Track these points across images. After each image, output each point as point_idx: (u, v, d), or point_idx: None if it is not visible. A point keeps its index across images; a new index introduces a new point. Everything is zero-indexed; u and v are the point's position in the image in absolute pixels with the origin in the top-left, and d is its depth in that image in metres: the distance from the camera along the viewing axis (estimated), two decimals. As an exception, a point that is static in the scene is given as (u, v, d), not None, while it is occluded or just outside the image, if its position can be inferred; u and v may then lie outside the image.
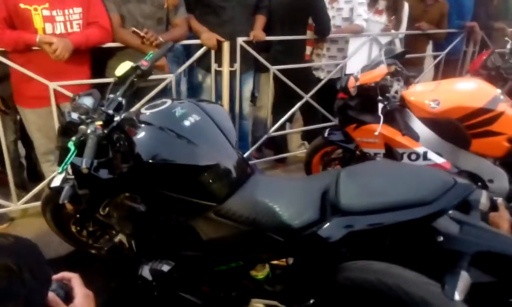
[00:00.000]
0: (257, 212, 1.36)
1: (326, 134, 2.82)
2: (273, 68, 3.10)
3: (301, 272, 1.43)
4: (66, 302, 0.78)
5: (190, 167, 1.41)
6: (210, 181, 1.42)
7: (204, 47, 2.76)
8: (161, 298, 1.64)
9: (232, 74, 2.92)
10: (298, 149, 3.80)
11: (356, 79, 2.43)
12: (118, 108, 1.61)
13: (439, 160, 2.25)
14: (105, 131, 1.50)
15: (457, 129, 2.17)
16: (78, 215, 2.04)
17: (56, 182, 1.88)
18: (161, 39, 2.42)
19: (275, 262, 1.61)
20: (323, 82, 3.36)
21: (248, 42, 2.89)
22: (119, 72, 1.67)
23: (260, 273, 1.60)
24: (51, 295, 0.76)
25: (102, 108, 1.56)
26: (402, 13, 3.58)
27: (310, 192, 1.32)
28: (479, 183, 2.26)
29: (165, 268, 1.60)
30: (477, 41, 4.17)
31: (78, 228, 2.12)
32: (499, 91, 2.19)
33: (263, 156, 3.71)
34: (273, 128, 3.34)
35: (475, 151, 2.20)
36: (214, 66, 2.84)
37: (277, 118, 3.43)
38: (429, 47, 4.24)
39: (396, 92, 2.38)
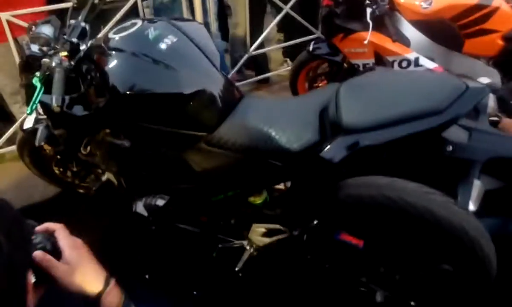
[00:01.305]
0: (251, 138, 1.27)
1: (310, 48, 2.66)
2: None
3: (301, 194, 1.38)
4: (54, 256, 0.69)
5: (172, 95, 1.27)
6: (197, 109, 1.30)
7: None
8: (159, 231, 1.59)
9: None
10: (280, 67, 3.64)
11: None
12: (83, 35, 1.42)
13: (431, 65, 2.16)
14: (72, 63, 1.34)
15: (450, 30, 2.05)
16: (58, 156, 1.91)
17: (28, 124, 1.73)
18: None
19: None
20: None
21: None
22: (75, -4, 1.45)
23: (258, 198, 1.55)
24: (39, 253, 0.68)
25: (65, 36, 1.38)
26: None
27: (307, 112, 1.22)
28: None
29: (160, 202, 1.54)
30: None
31: (61, 169, 2.00)
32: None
33: (244, 77, 3.54)
34: (253, 46, 3.14)
35: (468, 52, 2.11)
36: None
37: (255, 35, 3.22)
38: None
39: (386, -6, 2.20)
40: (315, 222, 1.30)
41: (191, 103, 1.29)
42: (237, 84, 3.38)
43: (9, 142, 2.45)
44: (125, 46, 1.30)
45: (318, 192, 1.32)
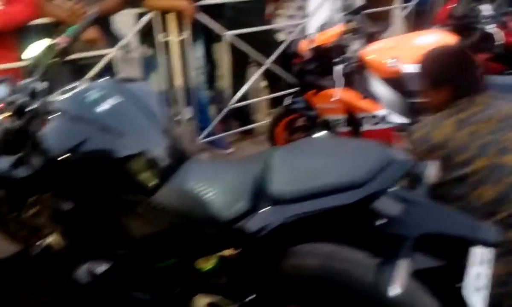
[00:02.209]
0: (188, 204, 1.21)
1: (287, 102, 2.66)
2: (228, 34, 2.88)
3: (245, 263, 1.30)
4: None
5: (108, 160, 1.24)
6: (134, 173, 1.26)
7: (148, 16, 2.52)
8: (101, 300, 1.51)
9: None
10: (266, 119, 3.64)
11: (312, 41, 2.24)
12: (34, 95, 1.42)
13: (402, 120, 2.12)
14: (17, 123, 1.32)
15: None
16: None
17: None
18: (97, 10, 2.18)
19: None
20: (284, 45, 3.15)
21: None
22: (29, 54, 1.47)
23: (206, 264, 1.47)
24: None
25: (13, 96, 1.38)
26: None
27: (245, 177, 1.17)
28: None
29: (103, 268, 1.46)
30: (446, -12, 3.97)
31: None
32: (459, 42, 2.04)
33: (230, 128, 3.54)
34: (233, 100, 3.16)
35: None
36: (161, 36, 2.61)
37: (238, 87, 3.25)
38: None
39: (356, 51, 2.21)
40: (252, 297, 1.22)
41: (128, 166, 1.25)
42: (222, 134, 3.40)
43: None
44: (64, 108, 1.28)
45: (259, 261, 1.24)
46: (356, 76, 2.14)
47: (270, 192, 1.03)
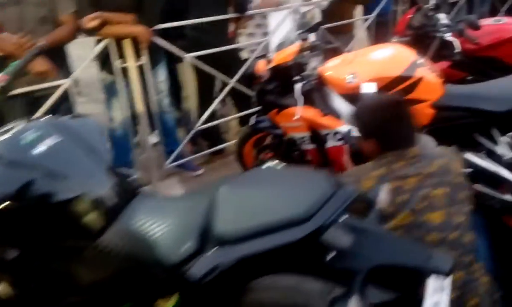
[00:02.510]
0: (136, 245, 1.15)
1: (253, 121, 2.63)
2: (188, 56, 2.83)
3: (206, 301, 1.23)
4: None
5: (49, 204, 1.16)
6: (78, 216, 1.19)
7: (103, 43, 2.45)
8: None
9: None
10: (236, 138, 3.59)
11: (269, 61, 2.22)
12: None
13: (366, 136, 2.10)
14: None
15: (378, 102, 2.02)
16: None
17: None
18: (43, 43, 2.10)
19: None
20: (247, 63, 3.13)
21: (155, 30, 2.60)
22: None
23: (166, 305, 1.39)
24: None
25: None
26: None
27: (192, 215, 1.11)
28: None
29: (53, 317, 1.37)
30: (405, -3, 4.04)
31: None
32: (417, 55, 2.05)
33: (200, 149, 3.48)
34: (199, 122, 3.10)
35: (400, 122, 2.06)
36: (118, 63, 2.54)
37: (205, 107, 3.19)
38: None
39: (314, 68, 2.19)
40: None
41: (71, 210, 1.18)
42: (191, 157, 3.33)
43: None
44: (-2, 152, 1.20)
45: (220, 298, 1.17)
46: (316, 93, 2.12)
47: (215, 232, 0.98)
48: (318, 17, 3.30)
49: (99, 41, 2.53)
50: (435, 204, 1.33)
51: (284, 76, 2.21)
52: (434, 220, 1.31)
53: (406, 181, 1.35)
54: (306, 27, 2.30)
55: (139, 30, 2.42)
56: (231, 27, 3.16)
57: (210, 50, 2.86)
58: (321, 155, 2.28)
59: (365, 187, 1.33)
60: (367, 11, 4.01)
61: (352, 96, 2.06)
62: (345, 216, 0.96)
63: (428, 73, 1.99)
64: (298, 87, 2.14)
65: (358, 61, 2.08)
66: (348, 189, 0.95)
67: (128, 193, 1.30)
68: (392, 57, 2.02)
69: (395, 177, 1.36)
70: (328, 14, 3.68)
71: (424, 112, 2.01)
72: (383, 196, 1.04)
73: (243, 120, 3.58)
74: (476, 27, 2.63)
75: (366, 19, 3.90)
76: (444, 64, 2.97)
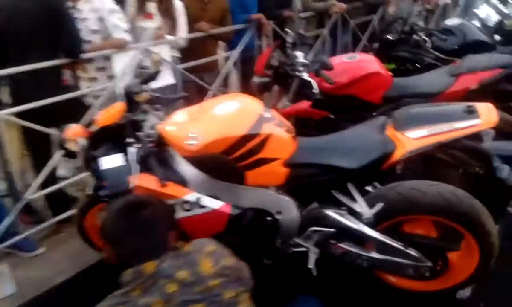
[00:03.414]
0: None
1: (90, 189, 2.15)
2: (2, 114, 2.25)
3: None
4: None
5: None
6: None
7: None
8: None
9: None
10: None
11: (94, 121, 1.79)
12: None
13: (216, 204, 1.79)
14: None
15: (226, 165, 1.73)
16: None
17: None
18: None
19: None
20: (92, 109, 2.63)
21: None
22: None
23: None
24: None
25: None
26: (176, 15, 3.08)
27: None
28: (269, 218, 1.88)
29: None
30: (268, 32, 3.94)
31: None
32: (263, 108, 1.82)
33: (42, 218, 2.83)
34: (29, 191, 2.50)
35: (253, 184, 1.81)
36: None
37: (40, 168, 2.60)
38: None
39: (153, 127, 1.81)
40: None
41: None
42: (27, 233, 2.64)
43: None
44: None
45: None
46: (156, 156, 1.75)
47: None
48: (163, 62, 2.94)
49: None
50: None
51: (115, 138, 1.81)
52: None
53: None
54: (144, 77, 1.92)
55: None
56: (66, 75, 2.65)
57: (32, 104, 2.32)
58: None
59: None
60: (231, 48, 3.83)
61: (198, 159, 1.75)
62: None
63: (276, 128, 1.77)
64: (131, 151, 1.75)
65: (201, 118, 1.77)
66: None
67: None
68: (236, 112, 1.75)
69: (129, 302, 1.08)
70: (188, 52, 3.40)
71: (277, 172, 1.79)
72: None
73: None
74: (329, 68, 2.57)
75: (227, 57, 3.70)
76: (306, 103, 2.87)
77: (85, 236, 2.31)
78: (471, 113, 1.59)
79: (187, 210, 1.80)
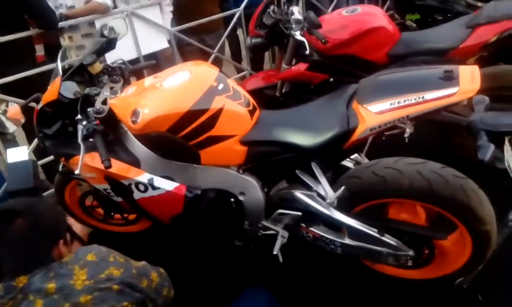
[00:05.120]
0: None
1: (61, 170, 2.10)
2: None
3: None
4: None
5: None
6: None
7: None
8: None
9: None
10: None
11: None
12: None
13: (171, 185, 1.65)
14: None
15: (176, 144, 1.56)
16: None
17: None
18: None
19: None
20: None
21: None
22: None
23: None
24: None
25: None
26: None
27: None
28: (232, 199, 1.72)
29: None
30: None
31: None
32: (217, 78, 1.60)
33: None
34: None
35: (209, 163, 1.63)
36: None
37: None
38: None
39: (104, 102, 1.67)
40: None
41: None
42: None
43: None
44: None
45: None
46: (98, 135, 1.59)
47: None
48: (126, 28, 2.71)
49: None
50: None
51: (66, 115, 1.70)
52: None
53: None
54: (96, 47, 1.76)
55: None
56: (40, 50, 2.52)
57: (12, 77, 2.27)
58: (136, 208, 1.81)
59: None
60: (236, 5, 3.55)
61: (147, 138, 1.60)
62: None
63: (230, 102, 1.56)
64: (79, 129, 1.63)
65: (146, 93, 1.60)
66: None
67: None
68: (182, 86, 1.55)
69: None
70: (183, 10, 3.18)
71: (234, 150, 1.59)
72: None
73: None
74: (316, 26, 2.26)
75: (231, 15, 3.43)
76: (302, 66, 2.59)
77: (69, 211, 2.29)
78: (449, 79, 1.27)
79: (143, 191, 1.69)
